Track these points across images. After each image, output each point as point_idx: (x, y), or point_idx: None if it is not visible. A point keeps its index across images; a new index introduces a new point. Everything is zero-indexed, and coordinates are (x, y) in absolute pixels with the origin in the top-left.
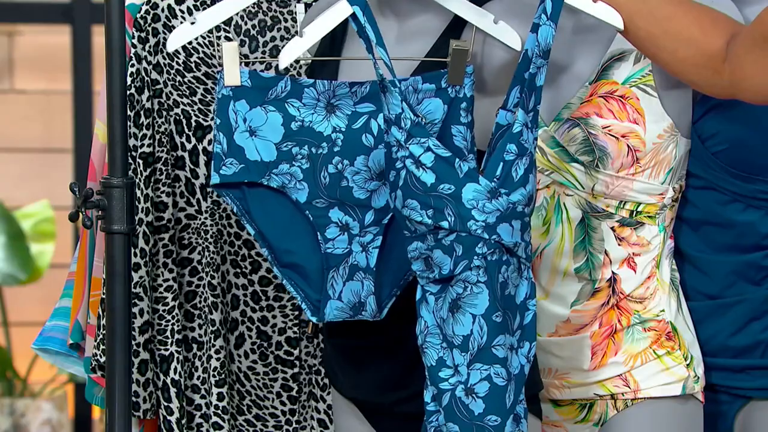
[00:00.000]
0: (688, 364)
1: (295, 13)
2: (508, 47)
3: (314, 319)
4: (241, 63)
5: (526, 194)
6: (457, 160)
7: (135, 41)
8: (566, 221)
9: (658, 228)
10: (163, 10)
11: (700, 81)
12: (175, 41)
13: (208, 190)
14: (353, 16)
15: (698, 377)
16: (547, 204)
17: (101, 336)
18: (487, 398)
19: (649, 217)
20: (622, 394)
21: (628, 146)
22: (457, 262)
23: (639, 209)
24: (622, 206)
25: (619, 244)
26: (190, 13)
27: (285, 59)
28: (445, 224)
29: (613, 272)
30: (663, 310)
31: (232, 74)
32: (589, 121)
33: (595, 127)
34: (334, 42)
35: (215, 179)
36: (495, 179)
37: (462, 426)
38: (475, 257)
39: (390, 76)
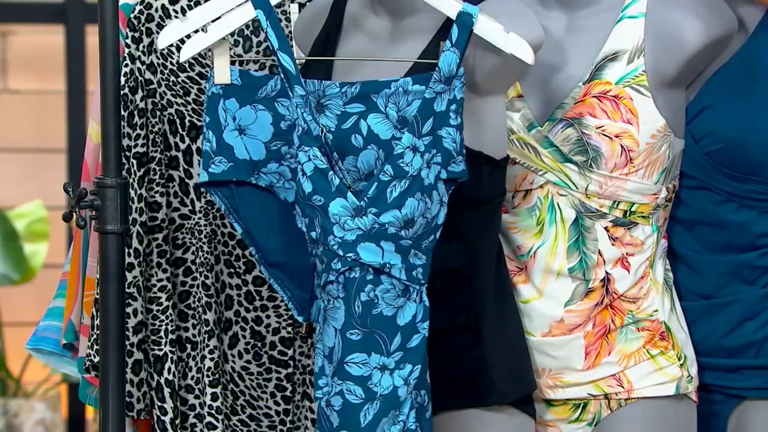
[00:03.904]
0: (681, 364)
1: (289, 13)
2: (498, 49)
3: (300, 319)
4: (234, 62)
5: (401, 217)
6: (331, 172)
7: (128, 41)
8: (560, 221)
9: (652, 228)
10: (156, 10)
11: None
12: (165, 39)
13: (202, 190)
14: (256, 20)
15: (692, 377)
16: (540, 204)
17: (95, 336)
18: (341, 413)
19: (642, 217)
20: (616, 394)
21: (621, 146)
22: (321, 273)
23: (632, 209)
24: (615, 206)
25: (612, 244)
26: (184, 13)
27: (185, 54)
28: (314, 235)
29: (606, 272)
30: (656, 310)
31: (222, 72)
32: (582, 121)
33: (588, 127)
34: (328, 41)
35: (204, 177)
36: (366, 198)
37: None
38: (331, 272)
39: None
